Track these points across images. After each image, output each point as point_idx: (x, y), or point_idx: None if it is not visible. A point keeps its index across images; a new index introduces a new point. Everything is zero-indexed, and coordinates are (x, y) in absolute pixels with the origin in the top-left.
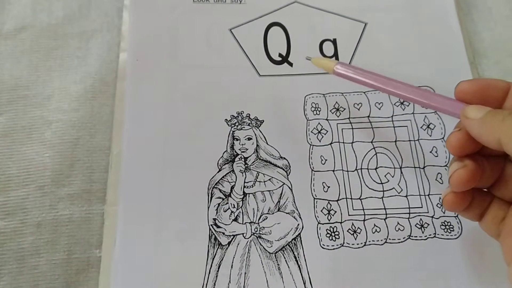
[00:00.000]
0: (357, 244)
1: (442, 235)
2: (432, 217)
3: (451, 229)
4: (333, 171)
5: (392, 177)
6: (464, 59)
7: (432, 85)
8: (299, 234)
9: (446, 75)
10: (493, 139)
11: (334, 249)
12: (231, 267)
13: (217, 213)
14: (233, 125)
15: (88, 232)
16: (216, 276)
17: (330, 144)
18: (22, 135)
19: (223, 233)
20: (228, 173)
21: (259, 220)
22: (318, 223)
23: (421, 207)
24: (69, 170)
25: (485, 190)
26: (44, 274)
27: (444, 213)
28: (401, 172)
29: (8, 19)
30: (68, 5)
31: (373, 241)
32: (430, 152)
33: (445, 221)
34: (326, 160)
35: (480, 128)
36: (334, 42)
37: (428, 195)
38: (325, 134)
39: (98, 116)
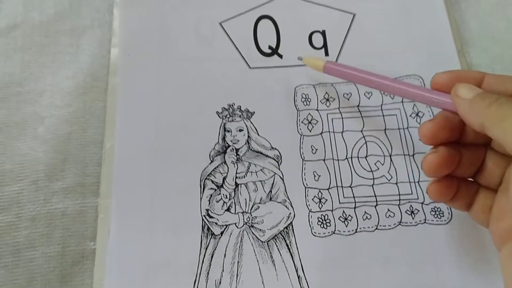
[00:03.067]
0: (348, 231)
1: (432, 220)
2: (422, 203)
3: (441, 215)
4: (324, 160)
5: (382, 165)
6: (452, 48)
7: (421, 74)
8: (291, 222)
9: (434, 64)
10: (477, 122)
11: (325, 236)
12: (224, 256)
13: (209, 203)
14: (224, 117)
15: (82, 225)
16: (210, 265)
17: (321, 133)
18: (16, 131)
19: (216, 223)
20: (220, 164)
21: (251, 209)
22: (310, 211)
23: (411, 194)
24: (62, 165)
25: (470, 180)
26: (39, 267)
27: None
28: (391, 160)
29: (0, 17)
30: (59, 3)
31: (364, 228)
32: (419, 139)
33: (435, 207)
34: (316, 149)
35: (468, 109)
36: (323, 33)
37: (418, 182)
38: (315, 124)
39: (90, 111)
